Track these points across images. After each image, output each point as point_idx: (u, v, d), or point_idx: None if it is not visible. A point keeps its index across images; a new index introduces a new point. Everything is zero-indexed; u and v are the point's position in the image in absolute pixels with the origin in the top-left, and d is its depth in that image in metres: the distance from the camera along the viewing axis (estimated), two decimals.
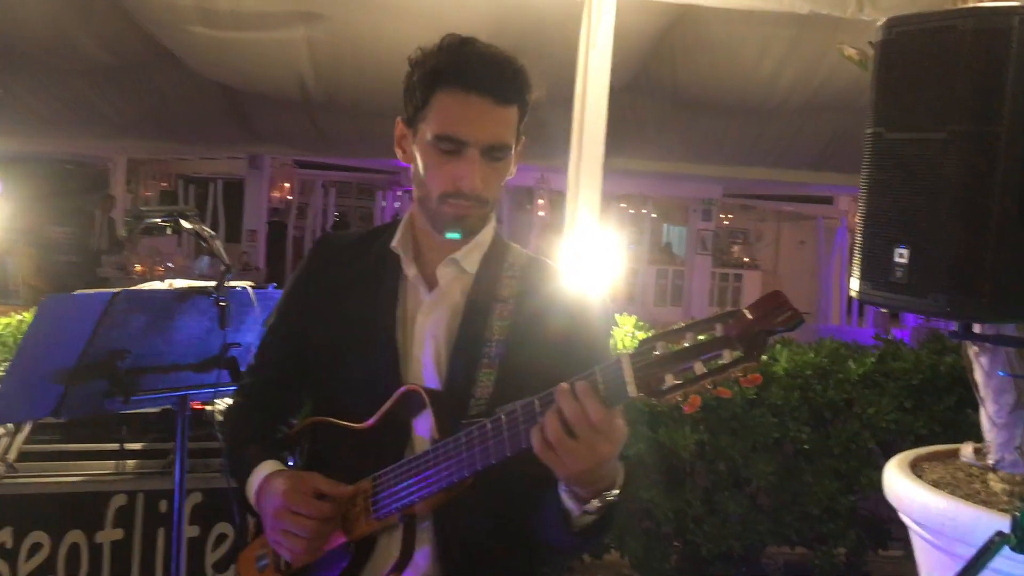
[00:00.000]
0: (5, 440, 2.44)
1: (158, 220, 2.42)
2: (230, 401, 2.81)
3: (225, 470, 1.57)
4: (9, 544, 2.41)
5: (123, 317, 2.20)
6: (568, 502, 1.29)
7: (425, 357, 1.49)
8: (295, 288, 1.62)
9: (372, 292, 1.53)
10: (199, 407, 2.71)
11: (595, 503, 1.27)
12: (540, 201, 12.14)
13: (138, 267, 11.04)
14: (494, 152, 1.43)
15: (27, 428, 2.51)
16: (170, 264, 11.53)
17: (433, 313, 1.50)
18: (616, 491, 1.28)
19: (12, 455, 2.43)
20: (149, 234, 13.66)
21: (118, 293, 2.15)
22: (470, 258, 1.52)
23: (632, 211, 14.88)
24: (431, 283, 1.52)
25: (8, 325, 3.55)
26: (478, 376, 1.44)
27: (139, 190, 14.69)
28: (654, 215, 15.34)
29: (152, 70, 6.67)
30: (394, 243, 1.54)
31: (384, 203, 14.06)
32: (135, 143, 11.23)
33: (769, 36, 5.26)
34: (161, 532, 2.55)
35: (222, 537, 2.62)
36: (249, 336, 2.53)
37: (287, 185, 13.65)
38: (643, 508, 3.70)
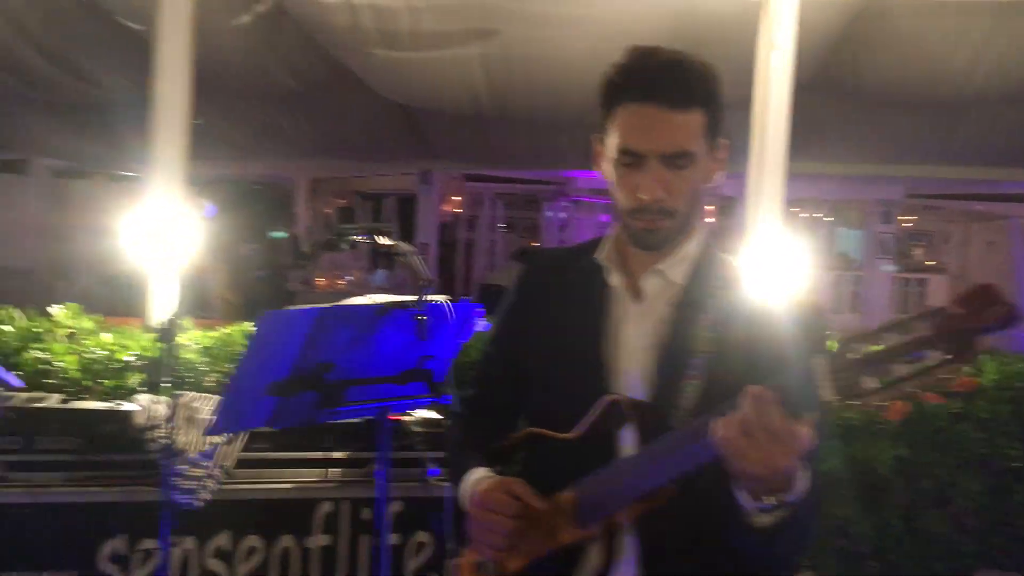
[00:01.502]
0: (223, 448, 2.60)
1: (359, 237, 2.51)
2: (426, 413, 2.91)
3: (449, 480, 1.62)
4: (227, 547, 2.56)
5: (330, 331, 2.29)
6: (742, 497, 1.26)
7: (631, 368, 1.48)
8: (510, 303, 1.65)
9: (578, 305, 1.55)
10: (395, 418, 2.79)
11: (769, 500, 1.24)
12: (708, 208, 11.93)
13: (320, 280, 11.58)
14: (676, 160, 1.41)
15: (243, 437, 2.66)
16: (349, 277, 12.03)
17: (639, 324, 1.50)
18: (794, 495, 1.23)
19: (230, 462, 2.58)
20: (330, 250, 14.32)
21: (326, 309, 2.24)
22: (676, 269, 1.51)
23: (805, 216, 14.37)
24: (637, 294, 1.52)
25: (214, 338, 3.79)
26: (683, 387, 1.42)
27: (320, 207, 15.39)
28: (829, 219, 14.74)
29: (334, 93, 6.99)
30: (600, 256, 1.55)
31: (550, 213, 14.13)
32: (316, 163, 11.82)
33: (962, 27, 4.97)
34: (364, 539, 2.64)
35: (421, 546, 2.69)
36: (445, 349, 2.59)
37: (457, 198, 13.97)
38: (837, 526, 3.56)
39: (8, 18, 5.09)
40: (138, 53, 5.51)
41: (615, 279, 1.53)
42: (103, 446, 2.57)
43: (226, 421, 2.22)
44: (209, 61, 5.06)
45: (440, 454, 2.73)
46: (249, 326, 3.82)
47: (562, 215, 14.05)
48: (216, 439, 2.57)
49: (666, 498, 1.34)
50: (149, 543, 2.57)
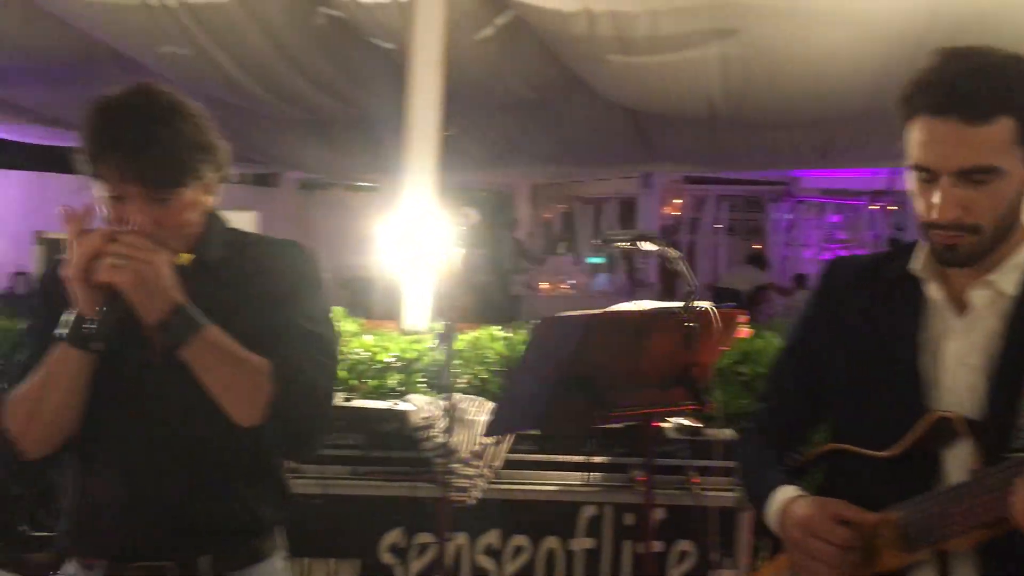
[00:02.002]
0: (492, 449, 2.68)
1: (625, 243, 2.52)
2: (683, 421, 2.88)
3: (747, 496, 1.58)
4: (496, 545, 2.63)
5: (601, 337, 2.32)
6: None
7: (956, 385, 1.39)
8: (811, 312, 1.59)
9: (890, 317, 1.47)
10: (655, 425, 2.78)
11: None
12: None
13: (544, 285, 11.79)
14: (974, 176, 1.31)
15: (509, 439, 2.74)
16: (572, 282, 12.17)
17: (964, 339, 1.40)
18: None
19: (498, 462, 2.66)
20: (551, 254, 14.56)
21: (599, 314, 2.27)
22: (1008, 279, 1.40)
23: None
24: (960, 307, 1.42)
25: (465, 340, 3.93)
26: (1021, 406, 1.31)
27: (541, 213, 15.67)
28: None
29: (564, 101, 7.10)
30: (915, 266, 1.46)
31: (775, 215, 13.68)
32: (538, 169, 12.03)
33: None
34: (627, 544, 2.65)
35: (684, 554, 2.66)
36: (708, 355, 2.55)
37: (678, 201, 13.81)
38: None
39: (271, 39, 5.50)
40: (386, 71, 5.85)
41: (934, 291, 1.43)
42: (383, 443, 2.72)
43: (502, 423, 2.29)
44: (452, 74, 5.28)
45: (702, 462, 2.69)
46: (496, 330, 3.93)
47: (788, 216, 13.57)
48: (486, 440, 2.66)
49: (1008, 527, 1.24)
50: (425, 537, 2.69)
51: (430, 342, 3.94)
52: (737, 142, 7.62)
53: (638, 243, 2.49)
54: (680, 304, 2.38)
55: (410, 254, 4.23)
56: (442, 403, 2.70)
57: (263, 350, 1.54)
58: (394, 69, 5.76)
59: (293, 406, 1.53)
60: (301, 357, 1.56)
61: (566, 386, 2.34)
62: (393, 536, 2.71)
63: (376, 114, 6.55)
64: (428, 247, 4.26)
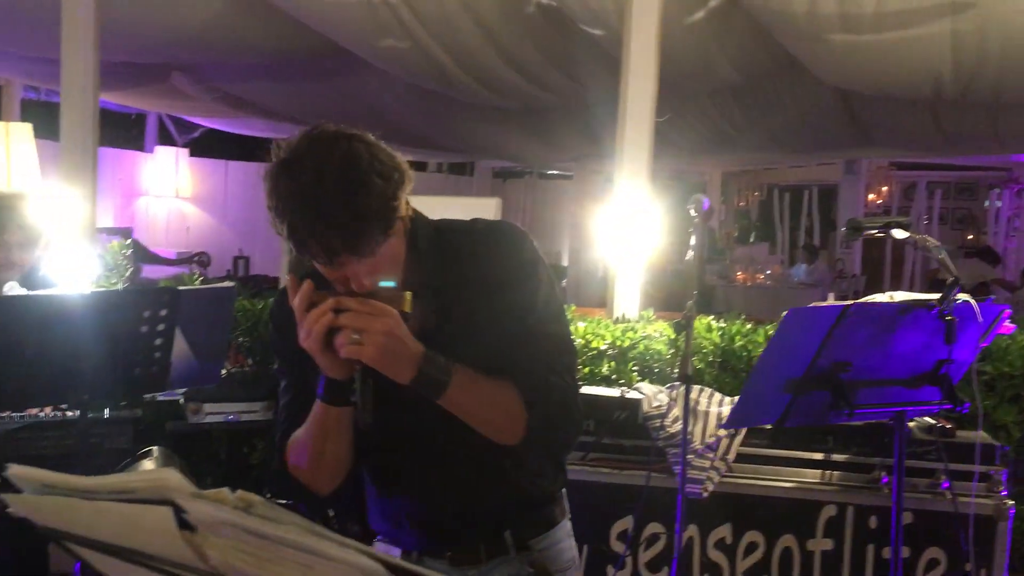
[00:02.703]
0: (725, 442, 2.62)
1: (875, 231, 2.39)
2: (930, 420, 2.71)
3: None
4: (728, 539, 2.57)
5: (850, 330, 2.20)
6: None
7: None
8: None
9: None
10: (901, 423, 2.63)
11: None
12: None
13: (739, 274, 11.47)
14: None
15: (742, 431, 2.67)
16: (768, 271, 11.78)
17: None
18: None
19: (731, 455, 2.60)
20: (743, 243, 14.16)
21: (850, 306, 2.16)
22: None
23: None
24: None
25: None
26: None
27: (734, 200, 15.26)
28: None
29: (771, 85, 6.86)
30: None
31: (999, 203, 12.69)
32: (737, 156, 11.69)
33: None
34: (870, 548, 2.52)
35: (933, 562, 2.51)
36: (964, 352, 2.38)
37: (884, 188, 13.09)
38: None
39: (483, 30, 5.60)
40: (595, 58, 5.84)
41: None
42: (613, 430, 2.71)
43: (741, 416, 2.23)
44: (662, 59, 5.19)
45: (957, 466, 2.52)
46: (711, 320, 3.84)
47: (1009, 204, 12.57)
48: (720, 432, 2.60)
49: None
50: (655, 527, 2.67)
51: (643, 330, 3.91)
52: (962, 124, 7.12)
53: (891, 231, 2.35)
54: (937, 296, 2.23)
55: (624, 242, 4.22)
56: (672, 392, 2.65)
57: (504, 361, 1.54)
58: (603, 56, 5.76)
59: (549, 425, 1.57)
60: (546, 371, 1.56)
61: (809, 380, 2.25)
62: (623, 524, 2.70)
63: (584, 102, 6.57)
64: (641, 235, 4.23)
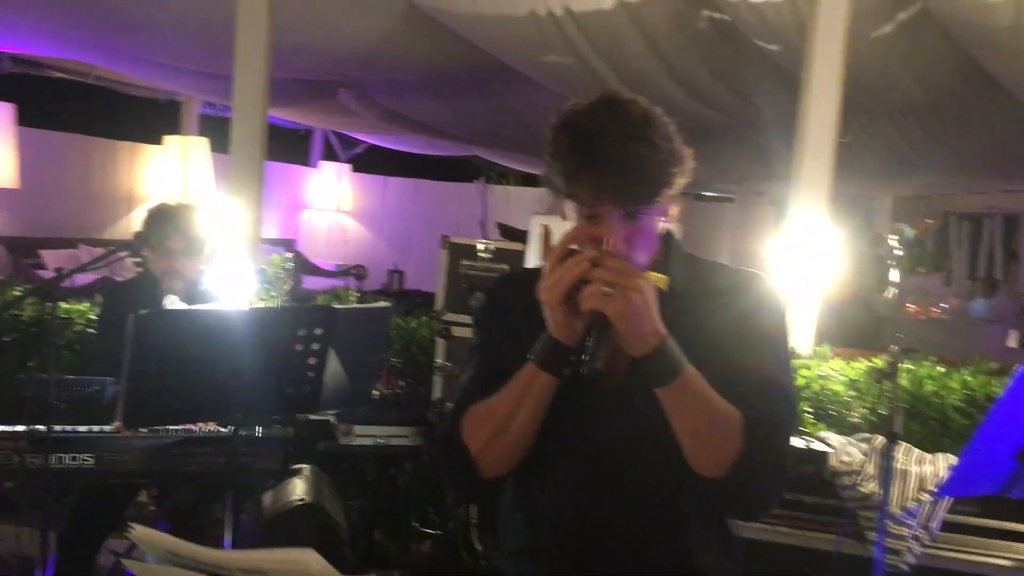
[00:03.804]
0: (929, 507, 2.30)
1: None
2: None
3: None
4: None
5: None
6: None
7: None
8: None
9: None
10: None
11: None
12: None
13: (911, 307, 10.74)
14: None
15: (949, 498, 2.34)
16: (944, 304, 10.99)
17: None
18: None
19: (936, 524, 2.28)
20: (915, 273, 13.31)
21: None
22: None
23: None
24: None
25: (859, 369, 3.51)
26: None
27: (903, 228, 14.35)
28: None
29: (960, 103, 6.34)
30: None
31: None
32: (907, 181, 10.97)
33: None
34: None
35: None
36: None
37: None
38: None
39: (651, 46, 5.39)
40: (768, 75, 5.53)
41: None
42: (795, 485, 2.44)
43: (962, 483, 1.92)
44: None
45: None
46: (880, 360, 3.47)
47: None
48: (923, 496, 2.28)
49: None
50: None
51: (818, 368, 3.59)
52: None
53: None
54: None
55: (799, 272, 3.91)
56: (864, 446, 2.35)
57: (728, 393, 1.41)
58: (776, 74, 5.45)
59: (759, 467, 1.40)
60: (773, 413, 1.43)
61: None
62: None
63: (753, 121, 6.25)
64: (818, 265, 3.90)
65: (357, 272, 11.97)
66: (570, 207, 1.44)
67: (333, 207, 12.69)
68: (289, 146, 12.18)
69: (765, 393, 1.43)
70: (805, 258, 3.86)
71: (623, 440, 1.47)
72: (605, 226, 1.39)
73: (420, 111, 8.12)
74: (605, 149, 1.37)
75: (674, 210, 1.49)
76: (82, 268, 2.83)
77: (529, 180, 13.17)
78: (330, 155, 13.01)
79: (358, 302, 4.06)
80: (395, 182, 13.21)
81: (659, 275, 1.42)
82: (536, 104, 7.33)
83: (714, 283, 1.53)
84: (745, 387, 1.42)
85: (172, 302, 3.10)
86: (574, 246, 1.42)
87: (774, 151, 6.24)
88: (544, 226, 1.46)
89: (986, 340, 8.87)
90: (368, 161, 13.20)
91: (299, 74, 6.77)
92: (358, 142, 12.58)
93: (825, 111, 4.03)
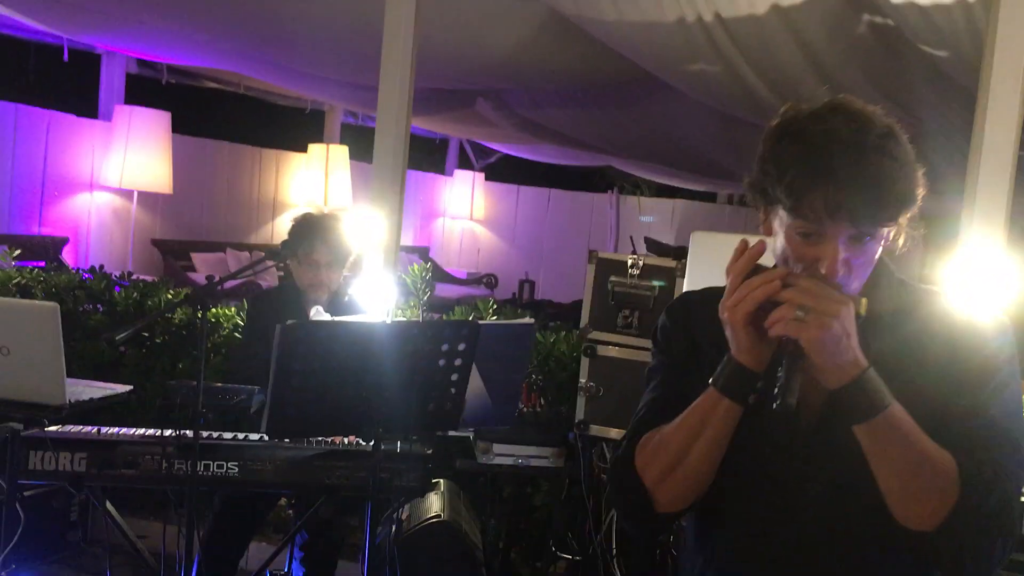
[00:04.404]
0: None
1: None
2: None
3: None
4: None
5: None
6: None
7: None
8: None
9: None
10: None
11: None
12: None
13: None
14: None
15: None
16: None
17: None
18: None
19: None
20: None
21: None
22: None
23: None
24: None
25: None
26: None
27: None
28: None
29: None
30: None
31: None
32: None
33: None
34: None
35: None
36: None
37: None
38: None
39: (804, 51, 5.14)
40: (932, 82, 5.19)
41: None
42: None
43: None
44: None
45: None
46: None
47: None
48: None
49: None
50: None
51: None
52: None
53: None
54: None
55: (976, 298, 3.60)
56: None
57: (942, 436, 1.24)
58: (941, 82, 5.11)
59: (976, 521, 1.21)
60: (996, 461, 1.23)
61: None
62: None
63: (913, 133, 5.90)
64: (996, 291, 3.59)
65: (488, 281, 12.00)
66: (782, 222, 1.29)
67: (466, 215, 12.79)
68: (425, 155, 12.34)
69: (987, 438, 1.25)
70: (981, 285, 3.56)
71: (816, 484, 1.31)
72: (827, 247, 1.24)
73: (557, 120, 8.05)
74: (846, 159, 1.21)
75: (898, 232, 1.31)
76: (233, 276, 2.85)
77: (663, 191, 12.93)
78: (464, 164, 13.12)
79: (495, 313, 3.98)
80: (527, 191, 13.21)
81: (861, 299, 1.25)
82: (677, 114, 7.16)
83: (926, 311, 1.35)
84: (962, 430, 1.25)
85: (317, 312, 3.09)
86: (760, 262, 1.29)
87: (934, 167, 5.86)
88: (743, 240, 1.30)
89: None
90: (501, 170, 13.25)
91: (440, 84, 6.80)
92: (492, 151, 12.64)
93: (1005, 124, 3.71)
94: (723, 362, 1.30)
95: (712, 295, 1.40)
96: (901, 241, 1.33)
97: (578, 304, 9.25)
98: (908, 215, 1.28)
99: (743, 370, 1.27)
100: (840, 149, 1.21)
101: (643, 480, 1.36)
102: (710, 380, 1.31)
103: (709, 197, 13.06)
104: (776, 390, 1.21)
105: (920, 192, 1.28)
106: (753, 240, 1.34)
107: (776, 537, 1.33)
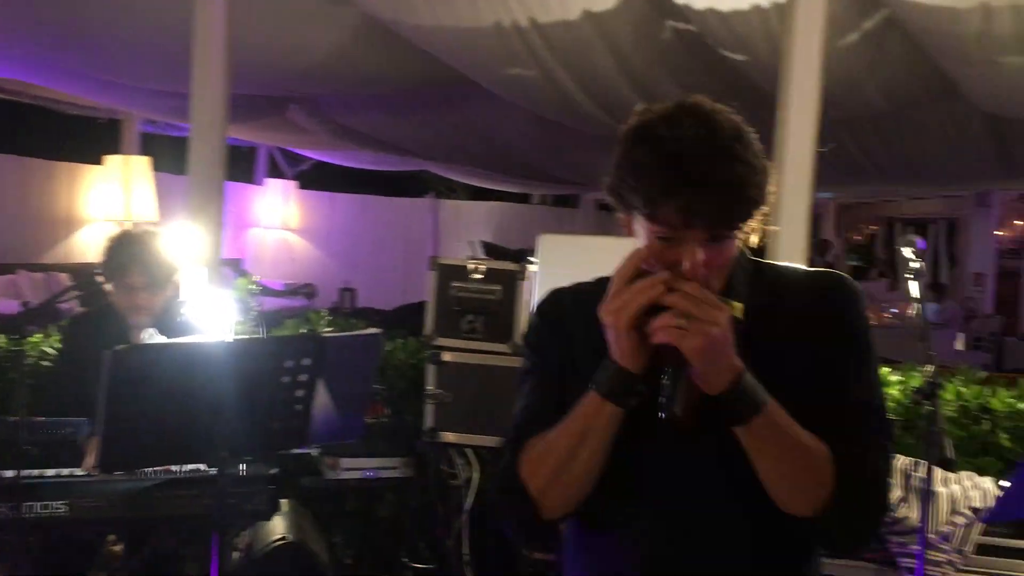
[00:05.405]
0: (962, 530, 2.23)
1: None
2: None
3: None
4: None
5: None
6: None
7: None
8: None
9: None
10: None
11: None
12: None
13: None
14: None
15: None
16: (894, 310, 11.14)
17: None
18: None
19: (970, 547, 2.20)
20: (862, 278, 13.52)
21: None
22: None
23: None
24: None
25: None
26: None
27: (849, 234, 14.63)
28: None
29: (918, 111, 6.41)
30: None
31: None
32: (851, 187, 11.12)
33: None
34: None
35: None
36: None
37: (1019, 223, 12.31)
38: None
39: (616, 57, 5.33)
40: (734, 85, 5.50)
41: None
42: None
43: (1009, 506, 1.84)
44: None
45: None
46: (887, 372, 3.42)
47: None
48: (956, 519, 2.21)
49: None
50: None
51: None
52: None
53: None
54: None
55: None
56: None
57: (813, 422, 1.29)
58: (743, 83, 5.42)
59: (855, 503, 1.28)
60: (866, 440, 1.31)
61: None
62: None
63: None
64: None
65: (307, 291, 11.68)
66: (643, 226, 1.30)
67: (280, 225, 12.43)
68: (233, 164, 11.87)
69: (855, 418, 1.32)
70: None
71: (699, 485, 1.34)
72: (686, 249, 1.26)
73: (374, 125, 7.97)
74: (698, 166, 1.23)
75: (753, 228, 1.36)
76: (56, 298, 2.61)
77: (480, 194, 13.07)
78: (275, 172, 12.75)
79: (329, 325, 3.89)
80: (343, 198, 12.99)
81: (735, 303, 1.29)
82: (494, 118, 7.24)
83: (789, 296, 1.40)
84: (832, 412, 1.31)
85: (150, 335, 2.90)
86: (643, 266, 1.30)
87: None
88: (637, 252, 1.31)
89: (935, 344, 9.02)
90: (314, 178, 12.97)
91: (252, 90, 6.57)
92: (304, 159, 12.35)
93: (804, 120, 3.98)
94: (603, 366, 1.31)
95: (585, 292, 1.41)
96: (756, 236, 1.38)
97: (403, 310, 9.15)
98: (761, 212, 1.32)
99: (625, 374, 1.28)
100: (691, 156, 1.23)
101: (529, 488, 1.36)
102: (591, 385, 1.32)
103: (523, 199, 13.31)
104: (662, 399, 1.24)
105: (771, 188, 1.33)
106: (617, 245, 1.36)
107: (660, 536, 1.35)
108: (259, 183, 12.59)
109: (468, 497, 3.27)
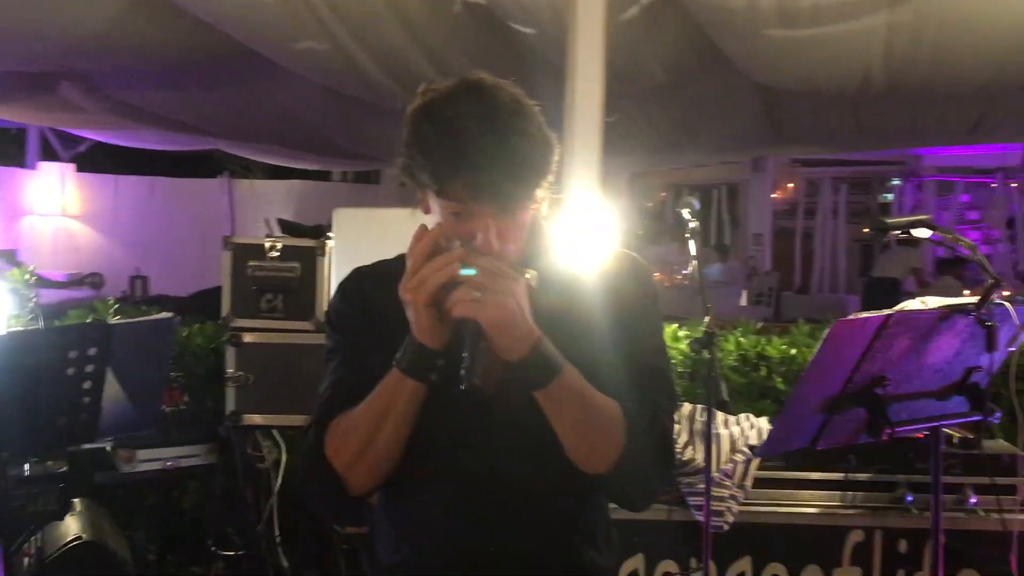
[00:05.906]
0: (741, 467, 2.41)
1: (899, 231, 2.23)
2: (952, 433, 2.56)
3: None
4: (749, 574, 2.37)
5: (888, 341, 2.03)
6: None
7: None
8: None
9: None
10: (920, 436, 2.47)
11: None
12: None
13: (656, 275, 11.45)
14: None
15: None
16: (685, 271, 11.80)
17: None
18: None
19: (749, 482, 2.39)
20: (655, 243, 14.20)
21: (890, 316, 1.98)
22: None
23: None
24: None
25: None
26: None
27: (641, 202, 15.29)
28: None
29: (695, 83, 6.77)
30: None
31: (897, 196, 13.04)
32: (640, 157, 11.64)
33: None
34: (901, 574, 2.35)
35: None
36: (993, 358, 2.23)
37: (791, 185, 13.30)
38: None
39: (408, 30, 5.31)
40: (524, 58, 5.61)
41: None
42: None
43: (779, 441, 2.02)
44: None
45: (981, 480, 2.38)
46: (676, 328, 3.64)
47: (912, 197, 12.92)
48: (736, 457, 2.39)
49: None
50: (668, 565, 2.44)
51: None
52: (881, 120, 7.18)
53: (913, 231, 2.18)
54: (974, 301, 2.07)
55: (578, 249, 3.99)
56: (679, 414, 2.43)
57: (605, 384, 1.39)
58: (532, 56, 5.54)
59: (643, 458, 1.38)
60: (653, 402, 1.41)
61: (845, 398, 2.06)
62: (634, 563, 2.46)
63: None
64: (596, 242, 4.01)
65: (93, 281, 11.00)
66: (435, 202, 1.34)
67: (58, 211, 11.60)
68: None
69: (643, 380, 1.41)
70: (585, 236, 3.95)
71: (502, 447, 1.40)
72: (477, 223, 1.31)
73: (157, 102, 7.56)
74: (480, 143, 1.27)
75: (543, 196, 1.42)
76: None
77: (278, 173, 12.69)
78: (49, 155, 11.86)
79: (117, 313, 3.69)
80: (127, 181, 12.26)
81: (530, 272, 1.35)
82: (287, 93, 7.04)
83: (582, 264, 1.49)
84: (622, 376, 1.39)
85: None
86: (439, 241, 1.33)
87: None
88: (422, 226, 1.34)
89: (721, 301, 9.64)
90: (94, 160, 12.18)
91: (17, 67, 6.07)
92: (82, 140, 11.56)
93: (591, 92, 4.12)
94: (405, 343, 1.33)
95: (386, 269, 1.43)
96: (546, 204, 1.45)
97: (199, 296, 8.78)
98: (547, 182, 1.39)
99: (425, 350, 1.31)
100: (475, 132, 1.28)
101: (334, 466, 1.37)
102: (393, 362, 1.34)
103: (323, 176, 13.05)
104: (463, 371, 1.27)
105: (555, 158, 1.39)
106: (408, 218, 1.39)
107: (469, 503, 1.40)
108: (31, 167, 11.68)
109: (277, 479, 3.21)
